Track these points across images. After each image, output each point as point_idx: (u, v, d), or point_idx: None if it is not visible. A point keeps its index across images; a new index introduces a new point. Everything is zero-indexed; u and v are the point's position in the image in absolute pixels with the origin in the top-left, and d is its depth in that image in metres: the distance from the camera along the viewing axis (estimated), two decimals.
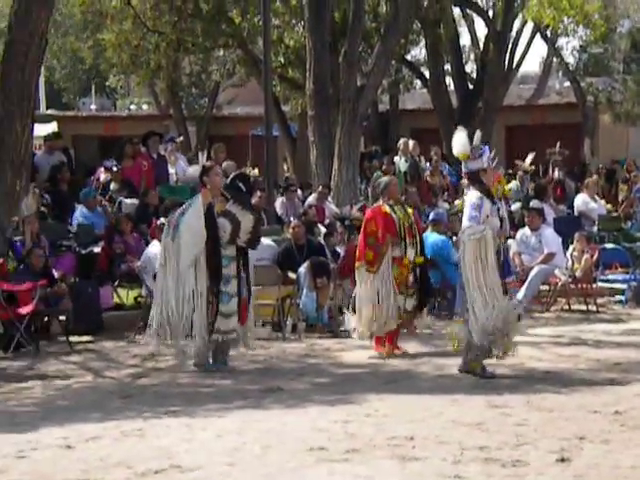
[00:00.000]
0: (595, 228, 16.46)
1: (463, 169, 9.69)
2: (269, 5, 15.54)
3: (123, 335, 12.19)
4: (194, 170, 10.42)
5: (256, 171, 18.72)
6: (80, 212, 14.45)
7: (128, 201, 14.91)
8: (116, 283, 13.42)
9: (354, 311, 10.71)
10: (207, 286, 9.78)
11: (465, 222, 9.32)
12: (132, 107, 35.81)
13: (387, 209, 10.64)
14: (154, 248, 12.69)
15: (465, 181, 9.58)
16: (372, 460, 6.61)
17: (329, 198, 16.09)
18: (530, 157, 19.01)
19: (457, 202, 15.76)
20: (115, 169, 15.55)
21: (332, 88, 17.31)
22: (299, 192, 17.27)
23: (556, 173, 18.24)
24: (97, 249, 13.55)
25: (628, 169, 19.42)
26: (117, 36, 21.54)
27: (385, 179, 11.21)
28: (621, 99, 26.50)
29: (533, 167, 18.73)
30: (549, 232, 14.19)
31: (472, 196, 9.34)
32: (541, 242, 13.88)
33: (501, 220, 9.43)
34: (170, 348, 10.31)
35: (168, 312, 9.75)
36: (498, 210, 9.40)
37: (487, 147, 9.69)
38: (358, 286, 10.69)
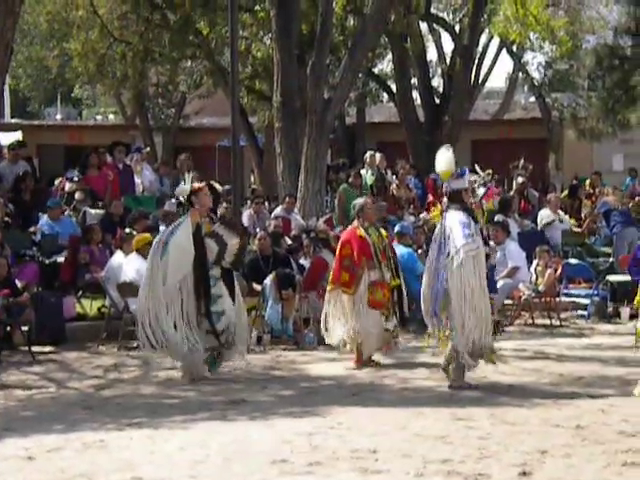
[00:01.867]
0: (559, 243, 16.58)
1: (444, 187, 9.80)
2: (236, 16, 15.50)
3: (86, 346, 12.12)
4: (182, 189, 10.50)
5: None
6: (44, 222, 14.35)
7: (92, 211, 14.85)
8: (80, 293, 13.33)
9: (325, 328, 10.84)
10: (195, 305, 9.89)
11: (461, 240, 9.35)
12: (98, 117, 35.67)
13: (362, 232, 10.74)
14: (118, 258, 12.65)
15: (445, 199, 9.76)
16: (335, 473, 6.60)
17: (295, 210, 16.10)
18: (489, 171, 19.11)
19: (422, 215, 15.85)
20: (76, 179, 15.46)
21: (299, 100, 17.33)
22: (266, 204, 17.27)
23: (519, 179, 18.33)
24: (61, 259, 13.47)
25: (592, 185, 19.57)
26: (83, 45, 21.45)
27: (361, 201, 11.23)
28: (586, 115, 26.70)
29: (494, 177, 18.82)
30: (514, 246, 14.29)
31: (459, 215, 9.47)
32: (505, 256, 13.98)
33: (484, 239, 9.66)
34: (134, 359, 10.25)
35: (154, 328, 9.82)
36: (481, 230, 9.62)
37: (466, 168, 9.90)
38: (329, 308, 10.75)
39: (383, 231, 11.21)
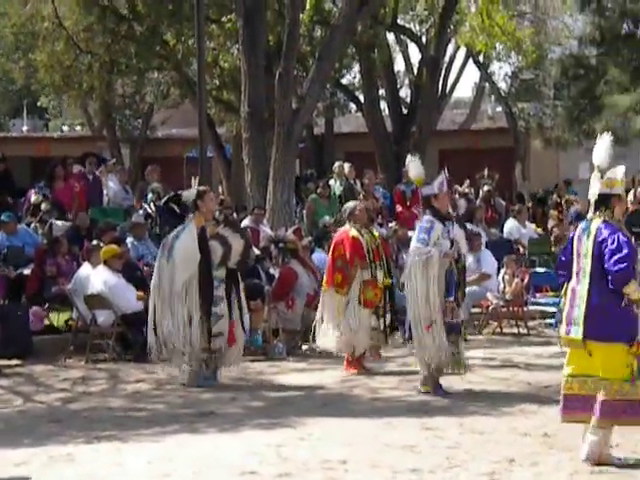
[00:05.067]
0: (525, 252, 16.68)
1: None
2: (203, 28, 15.50)
3: (53, 359, 12.03)
4: (187, 194, 10.64)
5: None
6: (1, 237, 14.07)
7: (59, 223, 14.74)
8: (47, 306, 13.23)
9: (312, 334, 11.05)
10: (199, 307, 10.07)
11: (413, 244, 9.71)
12: (65, 128, 35.46)
13: (354, 233, 10.94)
14: (85, 270, 12.57)
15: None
16: None
17: (264, 221, 16.07)
18: (467, 182, 19.20)
19: (391, 225, 15.88)
20: (43, 192, 15.36)
21: (267, 111, 17.31)
22: (234, 215, 17.21)
23: (486, 188, 18.42)
24: (27, 271, 13.36)
25: (559, 194, 19.69)
26: (49, 57, 21.31)
27: (351, 204, 11.51)
28: (551, 125, 26.91)
29: (471, 189, 18.93)
30: (488, 254, 14.41)
31: (423, 220, 9.73)
32: (479, 262, 14.04)
33: (452, 242, 9.64)
34: (102, 372, 10.19)
35: (163, 332, 10.06)
36: (448, 232, 9.65)
37: (443, 173, 10.04)
38: (325, 309, 10.95)
39: (375, 232, 11.42)
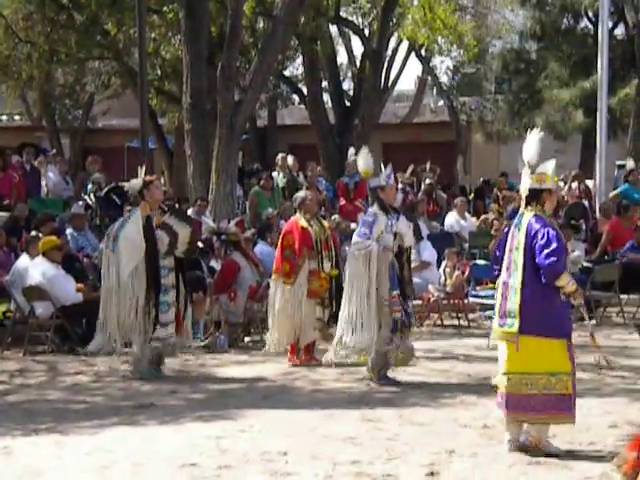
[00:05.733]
0: (466, 245, 16.80)
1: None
2: (145, 18, 15.38)
3: None
4: (133, 183, 10.59)
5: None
6: None
7: None
8: None
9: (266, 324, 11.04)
10: (145, 296, 10.06)
11: (354, 237, 9.79)
12: (3, 118, 34.94)
13: (304, 223, 10.96)
14: (23, 262, 12.42)
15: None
16: (244, 476, 6.59)
17: (207, 213, 16.01)
18: (410, 169, 19.29)
19: (334, 217, 15.91)
20: None
21: (209, 102, 17.25)
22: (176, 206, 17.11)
23: (427, 181, 18.52)
24: None
25: (499, 187, 19.86)
26: None
27: (301, 194, 11.55)
28: (492, 119, 27.18)
29: (414, 179, 19.01)
30: (428, 245, 14.54)
31: (367, 214, 9.86)
32: (419, 253, 14.14)
33: (395, 235, 9.68)
34: (40, 364, 10.08)
35: (110, 321, 10.09)
36: (392, 226, 9.66)
37: (389, 166, 10.14)
38: (272, 298, 10.96)
39: (325, 222, 11.46)
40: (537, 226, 7.08)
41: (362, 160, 10.23)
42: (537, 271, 7.05)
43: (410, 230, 9.98)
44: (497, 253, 7.57)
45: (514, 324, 7.12)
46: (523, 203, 7.30)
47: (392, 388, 9.55)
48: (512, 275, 7.19)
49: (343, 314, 9.68)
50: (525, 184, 7.27)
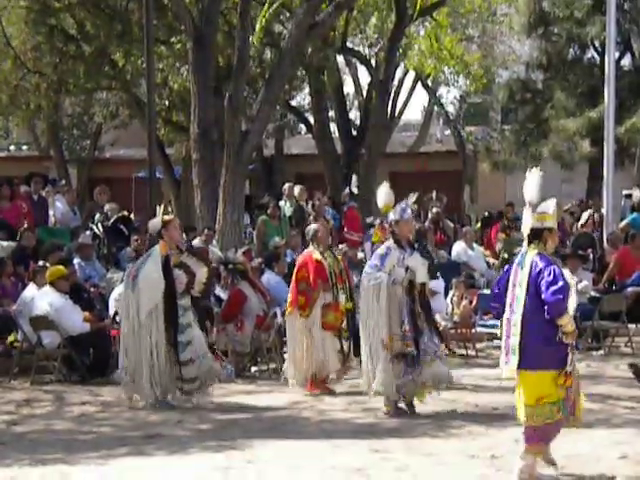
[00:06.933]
0: (476, 274, 16.75)
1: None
2: (153, 48, 15.47)
3: None
4: (153, 223, 10.78)
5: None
6: None
7: (4, 243, 14.56)
8: None
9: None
10: (165, 336, 10.13)
11: (365, 269, 9.88)
12: (11, 148, 35.08)
13: (318, 256, 11.01)
14: (31, 291, 12.42)
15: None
16: None
17: (213, 242, 16.03)
18: (413, 197, 19.27)
19: (341, 246, 15.90)
20: None
21: (217, 132, 17.30)
22: (183, 235, 17.12)
23: (434, 210, 18.53)
24: None
25: (506, 216, 19.86)
26: None
27: (314, 226, 11.60)
28: (499, 148, 27.21)
29: (416, 206, 19.00)
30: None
31: (381, 246, 9.90)
32: None
33: (406, 269, 9.66)
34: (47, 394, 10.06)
35: (131, 360, 10.16)
36: (403, 260, 9.70)
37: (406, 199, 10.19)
38: (289, 332, 11.05)
39: (338, 255, 11.50)
40: (542, 264, 7.18)
41: (382, 195, 10.28)
42: (538, 307, 7.16)
43: (423, 267, 9.85)
44: (495, 290, 7.65)
45: (515, 361, 7.20)
46: (525, 242, 7.38)
47: (400, 418, 9.50)
48: (514, 312, 7.28)
49: (364, 350, 9.72)
50: (527, 223, 7.38)
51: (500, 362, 7.52)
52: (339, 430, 9.03)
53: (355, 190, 17.59)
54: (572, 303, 7.17)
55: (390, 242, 9.84)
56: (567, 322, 7.13)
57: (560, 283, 7.07)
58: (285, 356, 11.30)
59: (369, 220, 16.69)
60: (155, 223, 10.63)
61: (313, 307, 10.86)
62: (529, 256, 7.29)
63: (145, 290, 10.17)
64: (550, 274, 7.10)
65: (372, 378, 9.62)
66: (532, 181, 7.42)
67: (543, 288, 7.10)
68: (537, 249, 7.27)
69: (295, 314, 10.96)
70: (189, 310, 10.37)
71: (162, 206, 10.94)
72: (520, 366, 7.18)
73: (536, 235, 7.31)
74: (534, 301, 7.16)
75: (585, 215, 18.66)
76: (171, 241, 10.45)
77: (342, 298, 10.94)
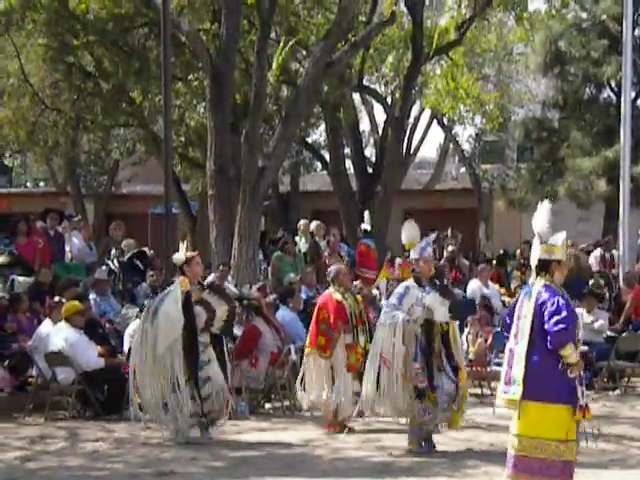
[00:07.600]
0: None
1: None
2: (170, 85, 15.56)
3: (12, 416, 11.84)
4: (177, 256, 10.88)
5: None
6: None
7: (21, 279, 14.61)
8: (6, 363, 13.02)
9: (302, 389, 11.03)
10: (184, 371, 10.14)
11: (383, 307, 10.00)
12: (28, 184, 35.32)
13: (338, 297, 10.99)
14: (46, 327, 12.44)
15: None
16: None
17: (229, 278, 16.03)
18: (433, 236, 19.27)
19: (356, 283, 15.89)
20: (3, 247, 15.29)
21: (233, 168, 17.37)
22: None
23: (450, 248, 18.51)
24: None
25: (522, 255, 19.80)
26: (14, 113, 21.30)
27: (335, 267, 11.54)
28: (515, 186, 27.22)
29: (435, 245, 19.00)
30: None
31: (401, 285, 9.95)
32: None
33: (423, 307, 9.68)
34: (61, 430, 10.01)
35: (146, 395, 10.13)
36: (421, 299, 9.70)
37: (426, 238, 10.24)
38: (308, 373, 10.96)
39: (358, 296, 11.51)
40: (546, 295, 7.21)
41: (407, 231, 10.26)
42: (542, 339, 7.17)
43: (442, 306, 9.77)
44: (507, 321, 7.67)
45: (517, 392, 7.17)
46: (533, 273, 7.38)
47: (414, 458, 9.44)
48: (519, 343, 7.27)
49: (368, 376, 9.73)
50: (535, 254, 7.41)
51: (497, 391, 7.53)
52: (353, 469, 8.98)
53: (368, 227, 17.58)
54: (579, 335, 7.19)
55: (410, 281, 9.85)
56: (570, 353, 7.08)
57: (564, 313, 7.08)
58: (297, 391, 11.16)
59: (388, 257, 16.66)
60: (178, 258, 10.69)
61: (334, 348, 10.82)
62: (536, 287, 7.31)
63: (164, 325, 10.17)
64: (553, 304, 7.13)
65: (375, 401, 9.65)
66: (542, 213, 7.48)
67: (546, 318, 7.13)
68: (544, 280, 7.29)
69: (314, 354, 10.92)
70: (209, 347, 10.37)
71: (185, 242, 11.00)
72: (523, 398, 7.13)
73: (544, 266, 7.34)
74: (539, 333, 7.15)
75: (595, 254, 18.64)
76: (193, 277, 10.50)
77: (362, 340, 10.90)
